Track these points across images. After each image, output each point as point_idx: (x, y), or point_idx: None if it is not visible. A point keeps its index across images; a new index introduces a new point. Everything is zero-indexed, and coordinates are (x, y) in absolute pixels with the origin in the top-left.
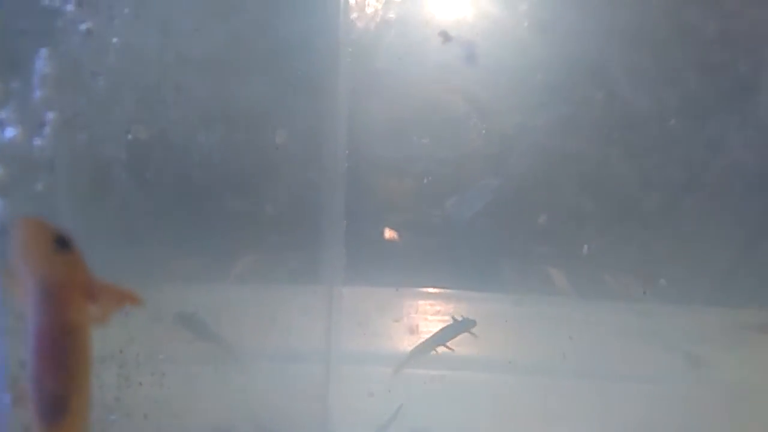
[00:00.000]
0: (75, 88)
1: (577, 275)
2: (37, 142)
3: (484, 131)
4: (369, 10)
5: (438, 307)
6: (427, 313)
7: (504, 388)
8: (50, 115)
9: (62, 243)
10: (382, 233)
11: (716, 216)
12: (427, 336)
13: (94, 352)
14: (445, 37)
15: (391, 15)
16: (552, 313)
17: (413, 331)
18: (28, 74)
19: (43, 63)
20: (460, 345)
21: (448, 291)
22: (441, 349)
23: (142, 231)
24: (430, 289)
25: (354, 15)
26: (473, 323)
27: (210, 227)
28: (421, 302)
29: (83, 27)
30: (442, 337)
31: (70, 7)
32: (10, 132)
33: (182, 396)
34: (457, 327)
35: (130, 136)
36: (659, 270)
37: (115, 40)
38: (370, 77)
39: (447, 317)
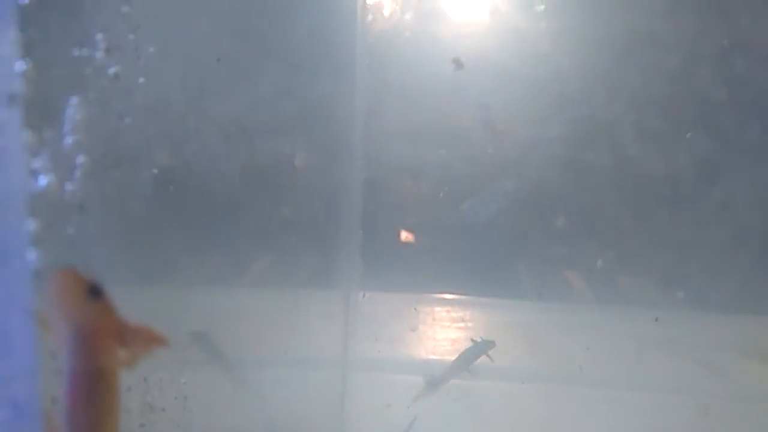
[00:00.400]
0: (103, 131)
1: (596, 280)
2: (69, 186)
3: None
4: (386, 23)
5: (454, 314)
6: (443, 320)
7: (521, 397)
8: (80, 159)
9: (95, 292)
10: (398, 238)
11: (736, 219)
12: (444, 348)
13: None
14: (458, 64)
15: (408, 28)
16: (569, 319)
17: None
18: (60, 122)
19: (73, 110)
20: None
21: (464, 297)
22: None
23: (161, 241)
24: (447, 295)
25: (371, 20)
26: (492, 345)
27: (227, 231)
28: (437, 308)
29: (111, 71)
30: (462, 363)
31: (99, 54)
32: (43, 180)
33: (204, 416)
34: (477, 350)
35: (155, 171)
36: (678, 275)
37: (141, 80)
38: (386, 87)
39: (462, 324)
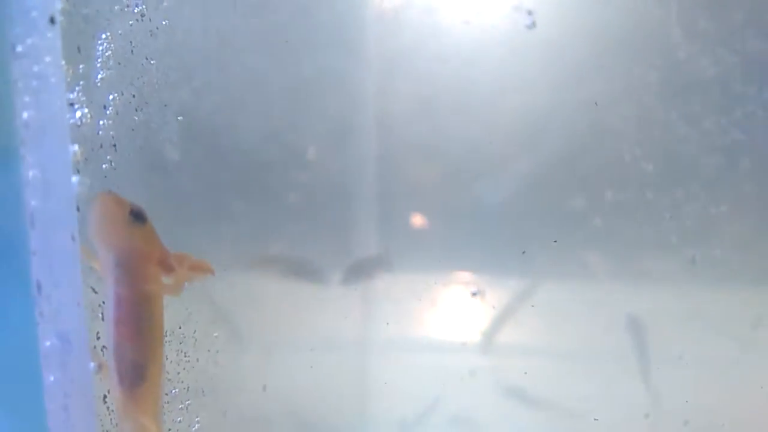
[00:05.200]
0: (131, 70)
1: (615, 258)
2: (102, 122)
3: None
4: None
5: (472, 292)
6: (461, 299)
7: (542, 374)
8: (111, 97)
9: (137, 216)
10: (413, 219)
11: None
12: (462, 327)
13: None
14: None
15: None
16: (589, 297)
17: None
18: (92, 57)
19: (104, 46)
20: (497, 333)
21: (481, 276)
22: None
23: (185, 214)
24: (464, 274)
25: None
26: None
27: (244, 212)
28: (454, 287)
29: (137, 10)
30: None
31: None
32: (78, 113)
33: (233, 375)
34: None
35: (180, 118)
36: (703, 252)
37: (164, 22)
38: (397, 57)
39: (481, 302)
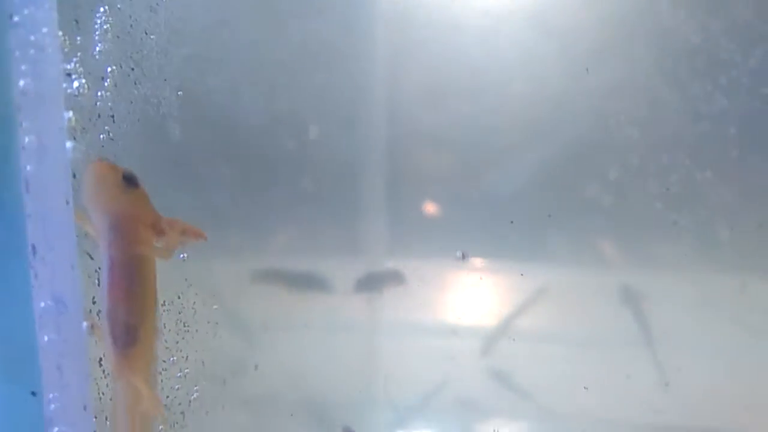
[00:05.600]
0: (130, 44)
1: (628, 245)
2: (100, 94)
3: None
4: None
5: (481, 278)
6: (471, 285)
7: (552, 359)
8: (110, 69)
9: (130, 181)
10: (424, 204)
11: None
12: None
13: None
14: None
15: None
16: (601, 283)
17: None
18: (90, 30)
19: (102, 19)
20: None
21: (492, 263)
22: None
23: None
24: (476, 260)
25: None
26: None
27: (252, 199)
28: (463, 273)
29: None
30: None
31: None
32: (76, 83)
33: (235, 348)
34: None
35: (180, 93)
36: (718, 239)
37: None
38: (408, 43)
39: (491, 288)
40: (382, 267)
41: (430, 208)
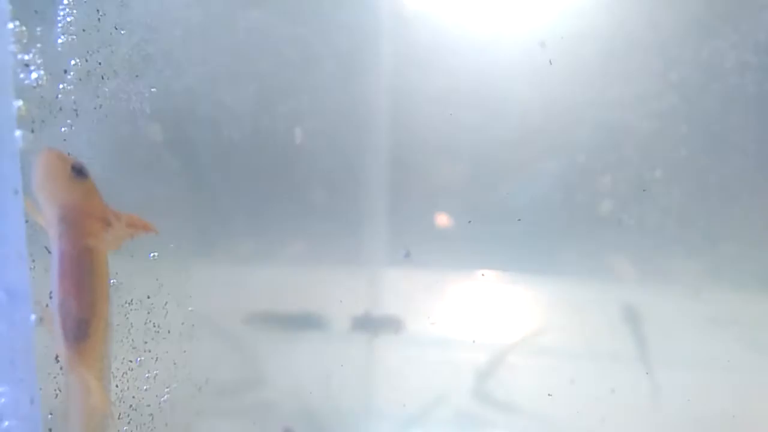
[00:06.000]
0: (98, 38)
1: (642, 261)
2: (62, 86)
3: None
4: None
5: (491, 291)
6: (472, 295)
7: (560, 373)
8: (73, 62)
9: (78, 172)
10: (429, 216)
11: None
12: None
13: (122, 295)
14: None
15: None
16: (614, 298)
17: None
18: (51, 21)
19: (65, 11)
20: (515, 330)
21: (503, 274)
22: None
23: (174, 193)
24: (484, 272)
25: None
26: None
27: (258, 210)
28: (464, 283)
29: None
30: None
31: None
32: (34, 74)
33: (212, 352)
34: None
35: (153, 89)
36: (725, 257)
37: None
38: (413, 49)
39: (495, 301)
40: (382, 312)
41: (440, 219)
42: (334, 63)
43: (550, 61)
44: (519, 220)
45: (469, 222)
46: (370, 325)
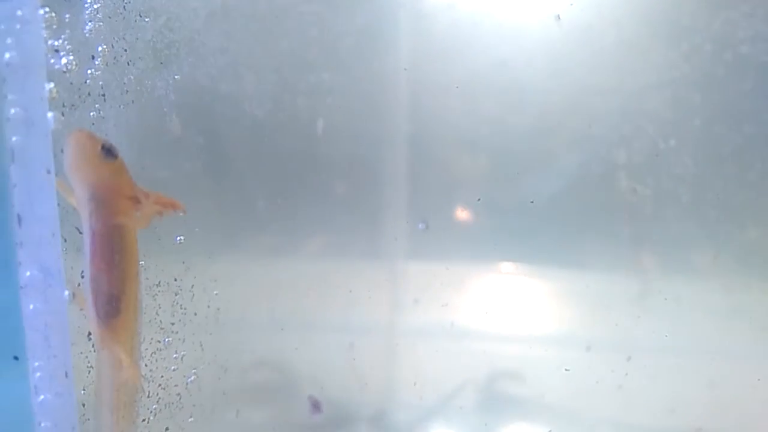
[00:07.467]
0: (123, 26)
1: (663, 254)
2: (89, 72)
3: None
4: None
5: (509, 284)
6: (496, 291)
7: (580, 367)
8: (100, 48)
9: (108, 152)
10: (449, 208)
11: None
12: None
13: (150, 277)
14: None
15: None
16: (635, 290)
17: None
18: (79, 7)
19: None
20: (535, 325)
21: (523, 267)
22: None
23: (198, 182)
24: (504, 265)
25: None
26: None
27: (280, 200)
28: (483, 275)
29: None
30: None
31: None
32: (64, 59)
33: (239, 336)
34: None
35: (177, 77)
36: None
37: None
38: (433, 38)
39: (513, 292)
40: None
41: (460, 212)
42: (353, 40)
43: (558, 16)
44: (532, 202)
45: (479, 204)
46: None
